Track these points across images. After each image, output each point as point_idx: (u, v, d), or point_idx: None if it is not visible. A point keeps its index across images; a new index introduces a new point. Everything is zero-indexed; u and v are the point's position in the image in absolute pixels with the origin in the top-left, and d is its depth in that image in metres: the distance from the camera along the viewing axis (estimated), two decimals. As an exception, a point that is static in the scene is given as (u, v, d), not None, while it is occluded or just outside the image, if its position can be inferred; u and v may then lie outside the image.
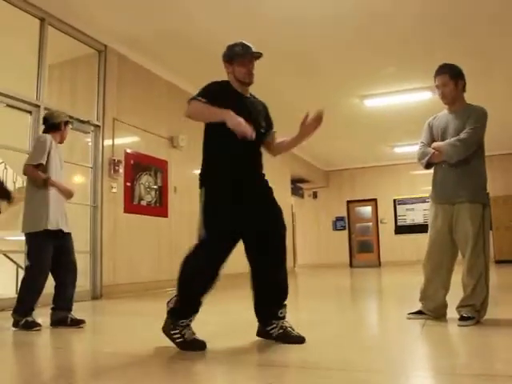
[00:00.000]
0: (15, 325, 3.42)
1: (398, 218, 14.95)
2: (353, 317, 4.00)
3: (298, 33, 6.30)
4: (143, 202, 6.86)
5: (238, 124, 2.43)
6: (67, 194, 3.67)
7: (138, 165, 6.83)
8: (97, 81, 6.33)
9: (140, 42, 6.45)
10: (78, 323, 3.49)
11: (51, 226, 3.51)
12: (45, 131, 3.75)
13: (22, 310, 3.44)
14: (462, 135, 3.12)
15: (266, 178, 2.76)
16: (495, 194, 11.99)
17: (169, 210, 7.32)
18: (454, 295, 3.17)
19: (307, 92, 8.17)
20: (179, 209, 7.45)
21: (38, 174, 3.52)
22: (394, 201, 15.02)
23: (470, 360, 2.27)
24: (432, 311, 3.26)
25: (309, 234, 15.82)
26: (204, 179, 2.68)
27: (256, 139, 2.58)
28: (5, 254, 5.93)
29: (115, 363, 2.35)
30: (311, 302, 5.24)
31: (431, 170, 3.39)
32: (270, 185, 2.78)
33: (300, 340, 2.58)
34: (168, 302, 2.62)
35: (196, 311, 2.57)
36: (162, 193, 7.26)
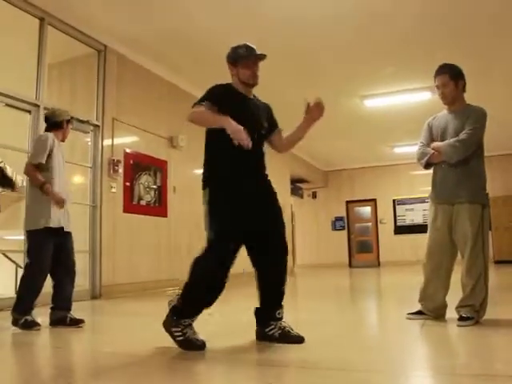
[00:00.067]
0: (14, 323, 3.41)
1: (398, 218, 14.96)
2: (352, 317, 4.00)
3: (298, 33, 6.30)
4: (143, 202, 6.86)
5: (237, 131, 2.44)
6: (57, 203, 3.52)
7: (138, 165, 6.83)
8: (96, 80, 6.33)
9: (140, 41, 6.45)
10: (77, 323, 3.49)
11: (53, 224, 3.51)
12: (47, 129, 3.75)
13: (22, 308, 3.43)
14: (462, 136, 3.12)
15: (269, 178, 2.77)
16: (494, 195, 11.99)
17: (168, 210, 7.31)
18: (454, 295, 3.17)
19: (307, 92, 8.09)
20: (179, 209, 7.45)
21: (36, 176, 3.51)
22: (394, 201, 15.02)
23: (470, 360, 2.27)
24: (431, 311, 3.26)
25: (308, 234, 15.82)
26: (207, 180, 2.67)
27: (258, 140, 2.58)
28: (4, 254, 5.92)
29: (115, 363, 2.35)
30: (310, 302, 5.24)
31: (431, 170, 3.39)
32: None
33: (299, 340, 2.58)
34: (170, 301, 2.62)
35: (199, 312, 2.57)
36: (162, 193, 7.26)
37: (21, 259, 4.85)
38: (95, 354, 2.74)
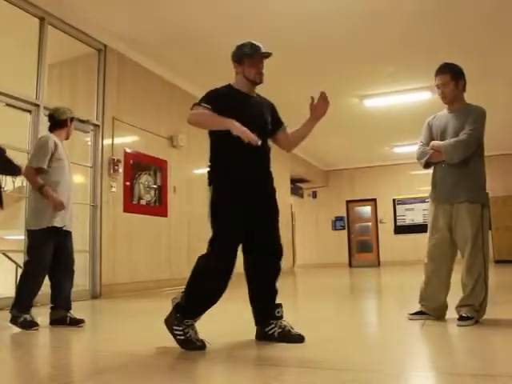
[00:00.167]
0: (13, 321, 3.40)
1: (398, 217, 14.96)
2: (352, 316, 4.00)
3: (298, 33, 6.30)
4: (143, 202, 6.86)
5: (243, 132, 2.45)
6: (56, 206, 3.51)
7: (138, 164, 6.83)
8: (96, 80, 6.33)
9: (140, 41, 6.45)
10: (77, 323, 3.49)
11: (57, 224, 3.53)
12: (50, 128, 3.75)
13: (22, 306, 3.43)
14: (462, 136, 3.12)
15: (272, 176, 2.77)
16: (494, 195, 12.00)
17: (168, 210, 7.31)
18: (454, 295, 3.17)
19: (307, 92, 8.12)
20: (179, 208, 7.45)
21: (35, 179, 3.51)
22: (394, 201, 15.02)
23: (470, 360, 2.27)
24: (432, 311, 3.25)
25: (308, 233, 15.83)
26: (212, 177, 2.67)
27: (262, 137, 2.59)
28: (4, 254, 5.91)
29: (115, 363, 2.35)
30: (310, 302, 5.24)
31: (431, 170, 3.39)
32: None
33: (300, 339, 2.58)
34: (174, 298, 2.62)
35: (203, 312, 2.57)
36: (162, 192, 7.26)
37: (21, 259, 4.85)
38: (95, 353, 2.74)
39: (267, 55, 2.74)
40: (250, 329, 2.74)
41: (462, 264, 3.12)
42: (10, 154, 3.60)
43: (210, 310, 2.59)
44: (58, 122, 3.73)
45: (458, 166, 3.16)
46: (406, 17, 5.95)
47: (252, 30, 5.91)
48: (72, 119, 3.82)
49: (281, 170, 11.19)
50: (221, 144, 2.68)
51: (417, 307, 3.32)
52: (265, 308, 2.69)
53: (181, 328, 2.52)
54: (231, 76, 2.80)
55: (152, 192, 7.07)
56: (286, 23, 6.02)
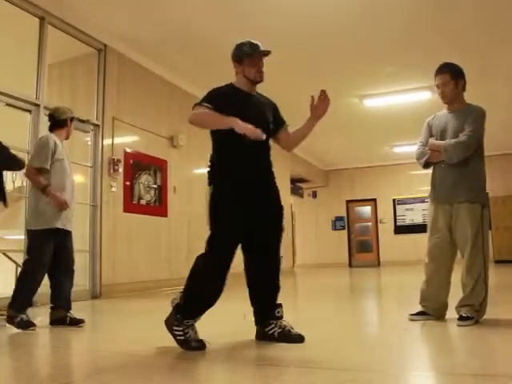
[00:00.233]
0: (10, 321, 3.38)
1: (398, 217, 14.96)
2: (352, 316, 4.00)
3: (298, 33, 6.30)
4: (143, 202, 6.86)
5: (247, 129, 2.46)
6: (59, 206, 3.53)
7: (138, 164, 6.83)
8: (96, 80, 6.33)
9: (140, 41, 6.45)
10: (77, 323, 3.49)
11: (60, 225, 3.53)
12: (50, 128, 3.75)
13: (19, 305, 3.41)
14: (462, 138, 3.11)
15: (274, 176, 2.77)
16: (494, 195, 12.00)
17: (168, 210, 7.31)
18: (454, 295, 3.17)
19: (307, 92, 8.13)
20: (179, 208, 7.45)
21: (38, 179, 3.52)
22: (394, 201, 15.02)
23: (470, 360, 2.26)
24: (433, 311, 3.25)
25: (308, 233, 15.82)
26: (212, 177, 2.67)
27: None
28: (4, 254, 5.91)
29: (115, 363, 2.35)
30: (311, 302, 5.24)
31: (430, 170, 3.38)
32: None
33: (300, 339, 2.58)
34: (173, 299, 2.62)
35: (202, 312, 2.57)
36: (162, 192, 7.26)
37: (21, 259, 4.85)
38: (95, 353, 2.74)
39: (266, 53, 2.73)
40: (249, 329, 2.74)
41: (462, 264, 3.12)
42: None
43: (210, 310, 2.59)
44: (58, 121, 3.73)
45: (458, 165, 3.16)
46: (406, 17, 5.95)
47: (252, 29, 5.90)
48: (72, 119, 3.83)
49: (281, 170, 11.16)
50: (221, 144, 2.68)
51: (417, 307, 3.32)
52: (265, 308, 2.69)
53: (180, 328, 2.52)
54: (231, 76, 2.80)
55: (152, 192, 7.07)
56: (286, 23, 6.02)
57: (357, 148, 13.15)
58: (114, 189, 6.30)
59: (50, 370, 2.38)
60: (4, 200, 3.54)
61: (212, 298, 2.56)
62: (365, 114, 9.75)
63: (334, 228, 15.69)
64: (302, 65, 7.34)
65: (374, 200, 15.33)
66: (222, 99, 2.62)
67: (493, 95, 8.46)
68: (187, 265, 2.60)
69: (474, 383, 1.87)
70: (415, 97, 8.68)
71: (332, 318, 3.80)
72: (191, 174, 7.84)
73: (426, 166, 3.35)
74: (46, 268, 3.53)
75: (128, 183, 6.59)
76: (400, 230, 14.78)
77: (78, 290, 5.18)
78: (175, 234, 7.34)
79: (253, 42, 2.74)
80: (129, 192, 6.60)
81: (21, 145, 5.28)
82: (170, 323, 2.57)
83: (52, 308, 3.56)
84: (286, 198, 12.26)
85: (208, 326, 2.65)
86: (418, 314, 3.28)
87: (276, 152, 2.92)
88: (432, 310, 3.25)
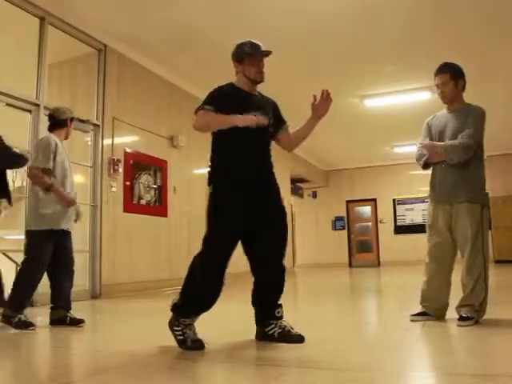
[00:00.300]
0: (7, 321, 3.36)
1: (398, 217, 14.96)
2: (352, 316, 4.00)
3: (298, 33, 6.30)
4: (143, 202, 6.86)
5: (249, 120, 2.47)
6: (67, 202, 3.58)
7: (138, 164, 6.83)
8: (96, 80, 6.33)
9: (140, 41, 6.45)
10: (77, 323, 3.49)
11: (64, 226, 3.55)
12: (50, 128, 3.75)
13: (17, 305, 3.40)
14: (463, 140, 3.11)
15: (274, 177, 2.77)
16: (494, 195, 12.01)
17: (168, 210, 7.31)
18: (454, 295, 3.17)
19: (307, 91, 8.13)
20: (179, 208, 7.45)
21: (43, 179, 3.52)
22: (394, 201, 15.02)
23: (470, 360, 2.26)
24: (434, 311, 3.24)
25: (308, 233, 15.82)
26: (212, 177, 2.68)
27: (262, 136, 2.58)
28: (4, 254, 5.91)
29: (115, 362, 2.35)
30: (310, 302, 5.24)
31: (430, 171, 3.38)
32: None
33: (300, 339, 2.58)
34: (173, 299, 2.63)
35: (200, 312, 2.57)
36: (162, 192, 7.26)
37: (21, 259, 4.85)
38: (95, 353, 2.74)
39: (267, 53, 2.74)
40: (250, 329, 2.74)
41: (462, 264, 3.12)
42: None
43: (210, 310, 2.58)
44: (57, 121, 3.73)
45: (458, 166, 3.16)
46: (406, 17, 5.95)
47: (252, 29, 5.89)
48: (72, 119, 3.83)
49: (281, 170, 11.15)
50: (221, 144, 2.68)
51: (417, 307, 3.32)
52: (265, 308, 2.69)
53: (180, 328, 2.53)
54: (232, 76, 2.80)
55: (152, 192, 7.07)
56: (286, 23, 6.02)
57: (357, 148, 13.15)
58: (114, 189, 6.29)
59: (50, 369, 2.38)
60: (8, 198, 3.55)
61: (210, 297, 2.56)
62: (365, 114, 9.75)
63: (334, 228, 15.69)
64: (302, 65, 7.34)
65: (374, 200, 15.33)
66: (222, 99, 2.63)
67: (493, 95, 8.46)
68: (187, 265, 2.61)
69: (473, 383, 1.87)
70: (415, 97, 8.68)
71: (332, 318, 3.80)
72: (191, 174, 7.84)
73: (425, 166, 3.35)
74: (45, 267, 3.53)
75: (128, 183, 6.59)
76: (400, 230, 14.78)
77: (78, 290, 5.18)
78: (175, 233, 7.34)
79: (254, 42, 2.74)
80: (129, 192, 6.60)
81: (21, 145, 5.27)
82: (171, 323, 2.58)
83: (52, 308, 3.56)
84: (286, 198, 12.26)
85: (208, 325, 2.65)
86: (418, 314, 3.28)
87: (276, 152, 2.92)
88: (433, 310, 3.24)
